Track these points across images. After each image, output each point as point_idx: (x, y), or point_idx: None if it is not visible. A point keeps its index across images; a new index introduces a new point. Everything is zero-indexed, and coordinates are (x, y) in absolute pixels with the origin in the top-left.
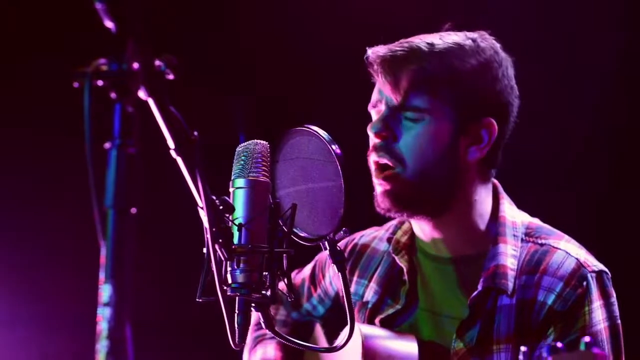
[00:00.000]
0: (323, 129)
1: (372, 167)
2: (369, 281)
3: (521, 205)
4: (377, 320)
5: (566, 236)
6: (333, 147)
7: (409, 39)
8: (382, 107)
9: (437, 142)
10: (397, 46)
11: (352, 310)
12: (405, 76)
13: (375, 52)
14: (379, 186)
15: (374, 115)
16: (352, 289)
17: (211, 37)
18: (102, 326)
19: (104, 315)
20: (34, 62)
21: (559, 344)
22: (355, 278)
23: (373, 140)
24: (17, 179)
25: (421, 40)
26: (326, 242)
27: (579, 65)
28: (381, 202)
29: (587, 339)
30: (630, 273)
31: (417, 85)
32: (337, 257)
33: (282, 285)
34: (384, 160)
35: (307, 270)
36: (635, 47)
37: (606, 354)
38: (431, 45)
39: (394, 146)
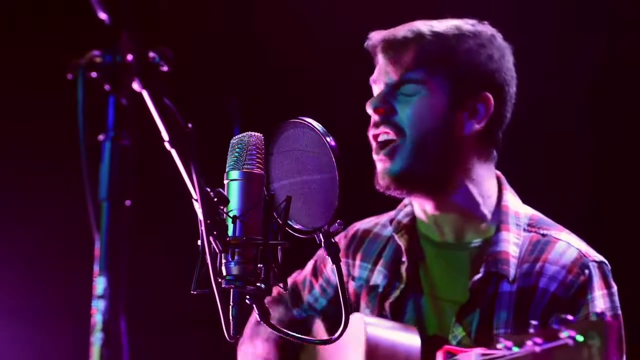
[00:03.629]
0: (318, 122)
1: (373, 144)
2: (374, 265)
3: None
4: (386, 305)
5: (566, 230)
6: (327, 139)
7: (410, 23)
8: (382, 86)
9: (434, 113)
10: (399, 29)
11: (347, 303)
12: (405, 55)
13: (377, 33)
14: (380, 162)
15: (375, 91)
16: (356, 273)
17: (206, 29)
18: (97, 318)
19: (98, 308)
20: (27, 53)
21: (570, 317)
22: (358, 262)
23: (373, 117)
24: (11, 171)
25: (421, 23)
26: (321, 235)
27: (566, 63)
28: (381, 180)
29: (597, 309)
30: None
31: (415, 62)
32: (332, 250)
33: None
34: (385, 133)
35: (309, 266)
36: (622, 45)
37: (617, 323)
38: (430, 27)
39: (393, 118)
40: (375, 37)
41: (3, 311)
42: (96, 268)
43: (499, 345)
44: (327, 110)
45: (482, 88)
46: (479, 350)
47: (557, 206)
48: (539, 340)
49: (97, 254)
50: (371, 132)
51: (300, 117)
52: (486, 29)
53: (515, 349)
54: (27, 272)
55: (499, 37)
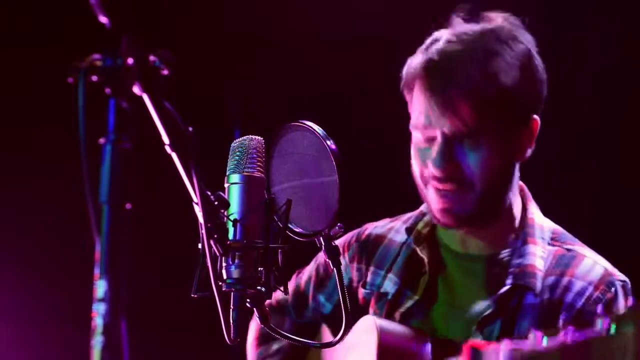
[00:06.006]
0: (319, 124)
1: (432, 189)
2: (387, 272)
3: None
4: (397, 314)
5: (587, 247)
6: (328, 142)
7: (443, 47)
8: (436, 135)
9: (499, 160)
10: (437, 57)
11: (347, 306)
12: (458, 100)
13: (415, 63)
14: (440, 203)
15: (421, 137)
16: (369, 279)
17: (205, 32)
18: (97, 322)
19: (99, 311)
20: (28, 57)
21: (600, 308)
22: (372, 268)
23: (434, 172)
24: (12, 175)
25: (459, 50)
26: (321, 238)
27: (573, 62)
28: (442, 218)
29: (630, 301)
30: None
31: (472, 109)
32: (332, 253)
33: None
34: (453, 188)
35: (311, 269)
36: (630, 43)
37: None
38: (475, 61)
39: (458, 174)
40: (414, 68)
41: (4, 314)
42: (97, 271)
43: (529, 336)
44: (328, 111)
45: (531, 113)
46: (508, 343)
47: (564, 209)
48: (571, 330)
49: (98, 257)
50: (433, 183)
51: (300, 121)
52: (520, 41)
53: (546, 340)
54: (27, 275)
55: (531, 42)
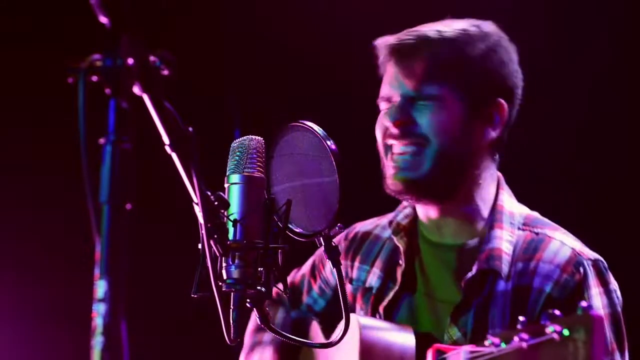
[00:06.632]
0: (319, 124)
1: (384, 150)
2: (371, 267)
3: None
4: (380, 308)
5: (562, 229)
6: (328, 142)
7: (416, 28)
8: (396, 98)
9: (453, 122)
10: (406, 35)
11: (347, 306)
12: (418, 64)
13: (384, 41)
14: (392, 169)
15: (384, 106)
16: (354, 274)
17: (205, 32)
18: (97, 322)
19: (99, 311)
20: (28, 57)
21: (557, 312)
22: (356, 264)
23: (391, 129)
24: (12, 175)
25: (429, 29)
26: (321, 238)
27: (571, 59)
28: (392, 185)
29: (584, 303)
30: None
31: (429, 73)
32: (332, 253)
33: (280, 286)
34: (405, 145)
35: (307, 265)
36: (627, 40)
37: (603, 316)
38: (440, 32)
39: (414, 129)
40: (383, 46)
41: (4, 314)
42: (97, 271)
43: (486, 342)
44: (328, 111)
45: (495, 95)
46: (468, 348)
47: (556, 206)
48: (525, 336)
49: (98, 257)
50: (388, 141)
51: (300, 121)
52: (492, 29)
53: (503, 345)
54: (28, 275)
55: (504, 37)
